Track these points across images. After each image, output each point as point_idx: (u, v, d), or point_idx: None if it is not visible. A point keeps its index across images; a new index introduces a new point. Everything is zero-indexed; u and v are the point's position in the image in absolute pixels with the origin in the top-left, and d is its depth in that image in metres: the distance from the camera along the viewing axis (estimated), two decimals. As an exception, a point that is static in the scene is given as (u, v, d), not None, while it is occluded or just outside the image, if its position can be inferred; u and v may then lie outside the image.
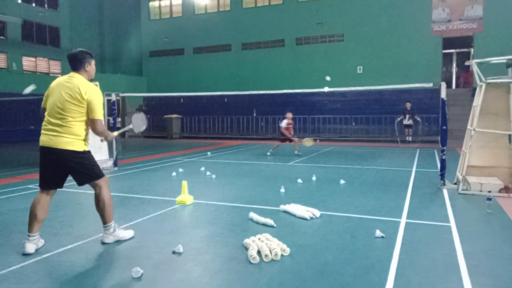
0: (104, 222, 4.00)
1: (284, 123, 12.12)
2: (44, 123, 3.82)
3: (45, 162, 3.82)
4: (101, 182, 3.91)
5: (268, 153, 12.39)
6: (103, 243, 4.02)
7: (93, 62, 4.00)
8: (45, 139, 3.76)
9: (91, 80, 4.07)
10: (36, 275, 3.27)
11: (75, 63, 3.89)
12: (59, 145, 3.70)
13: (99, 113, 3.80)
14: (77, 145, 3.76)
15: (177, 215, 5.23)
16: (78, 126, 3.76)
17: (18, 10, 21.90)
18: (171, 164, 10.48)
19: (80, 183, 3.91)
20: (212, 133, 21.34)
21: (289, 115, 12.27)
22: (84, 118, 3.80)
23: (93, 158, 3.95)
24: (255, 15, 23.75)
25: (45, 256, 3.67)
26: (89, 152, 3.90)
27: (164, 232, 4.41)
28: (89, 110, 3.77)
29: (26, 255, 3.68)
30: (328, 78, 8.21)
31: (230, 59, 24.44)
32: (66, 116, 3.71)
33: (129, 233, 4.20)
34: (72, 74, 3.89)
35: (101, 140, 4.09)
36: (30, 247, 3.72)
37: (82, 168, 3.81)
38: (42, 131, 3.80)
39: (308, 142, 11.72)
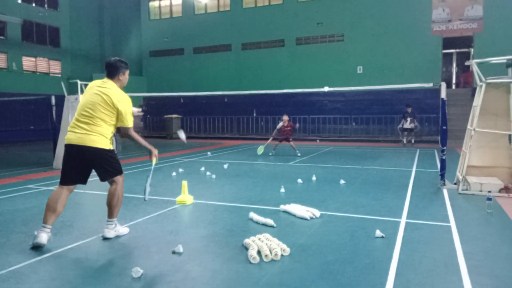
0: (111, 216, 4.14)
1: (278, 125, 12.33)
2: (72, 122, 4.00)
3: (71, 159, 3.96)
4: (120, 178, 4.11)
5: (299, 154, 12.08)
6: (104, 238, 4.10)
7: (127, 73, 4.22)
8: (73, 137, 3.92)
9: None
10: (36, 275, 3.27)
11: (111, 71, 4.11)
12: (87, 143, 3.87)
13: (130, 121, 4.07)
14: (104, 144, 3.94)
15: (177, 215, 5.23)
16: (106, 127, 3.96)
17: (18, 10, 21.88)
18: (171, 164, 10.49)
19: (103, 179, 4.08)
20: (212, 133, 21.34)
21: (285, 117, 12.26)
22: (113, 122, 4.00)
23: (116, 156, 4.17)
24: (255, 15, 23.75)
25: (45, 256, 3.67)
26: (113, 150, 4.10)
27: (164, 232, 4.41)
28: (120, 118, 4.01)
29: (28, 250, 3.68)
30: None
31: (230, 59, 24.44)
32: (96, 117, 3.91)
33: (126, 230, 4.37)
34: (106, 80, 4.10)
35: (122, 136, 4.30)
36: (44, 237, 3.80)
37: (107, 165, 4.00)
38: (70, 130, 3.98)
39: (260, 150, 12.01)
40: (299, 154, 11.99)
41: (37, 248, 3.82)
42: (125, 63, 4.21)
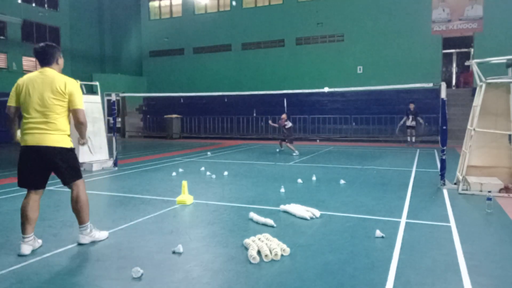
0: (81, 222, 3.95)
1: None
2: (24, 121, 3.70)
3: (30, 161, 3.69)
4: (81, 182, 3.90)
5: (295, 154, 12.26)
6: (79, 244, 3.96)
7: (61, 55, 3.98)
8: (29, 138, 3.65)
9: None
10: (36, 275, 3.27)
11: (47, 58, 3.81)
12: (47, 143, 3.63)
13: (81, 103, 3.77)
14: (65, 142, 3.73)
15: (177, 215, 5.23)
16: (63, 121, 3.72)
17: (18, 10, 21.88)
18: (171, 164, 10.48)
19: (66, 182, 3.84)
20: (212, 133, 21.34)
21: (282, 115, 12.64)
22: (66, 112, 3.76)
23: (77, 156, 3.95)
24: (255, 15, 23.75)
25: (45, 256, 3.67)
26: (74, 149, 3.88)
27: (164, 232, 4.41)
28: (70, 102, 3.73)
29: (23, 256, 3.67)
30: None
31: (230, 59, 24.44)
32: (50, 112, 3.64)
33: (104, 234, 4.16)
34: (44, 69, 3.79)
35: (80, 143, 4.03)
36: (26, 249, 3.69)
37: (69, 166, 3.77)
38: (24, 132, 3.69)
39: None
40: (294, 154, 12.03)
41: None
42: (57, 46, 3.93)
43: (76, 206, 3.89)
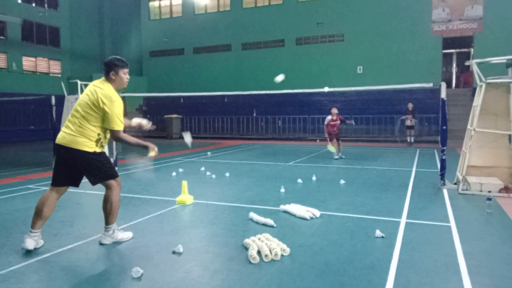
0: (107, 223, 4.00)
1: (326, 120, 11.28)
2: (66, 121, 3.92)
3: (59, 159, 3.87)
4: (113, 182, 3.91)
5: (337, 157, 11.20)
6: (100, 244, 4.00)
7: (121, 72, 3.93)
8: (60, 137, 3.82)
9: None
10: (36, 275, 3.27)
11: (104, 70, 3.95)
12: (70, 144, 3.74)
13: (116, 124, 3.78)
14: (87, 146, 3.76)
15: (177, 215, 5.23)
16: (91, 128, 3.77)
17: (18, 10, 21.88)
18: (171, 164, 10.48)
19: (92, 182, 3.94)
20: (212, 133, 21.34)
21: (334, 110, 11.25)
22: (98, 123, 3.78)
23: (105, 159, 3.93)
24: (255, 15, 23.74)
25: (45, 256, 3.67)
26: (100, 153, 3.88)
27: (164, 232, 4.41)
28: (106, 120, 3.76)
29: (25, 252, 3.68)
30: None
31: (230, 59, 24.43)
32: (82, 117, 3.75)
33: (127, 235, 4.17)
34: (103, 80, 3.94)
35: (148, 156, 4.14)
36: (30, 243, 3.73)
37: (92, 168, 3.83)
38: (62, 129, 3.88)
39: (331, 148, 10.77)
40: (338, 157, 11.18)
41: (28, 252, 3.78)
42: (121, 61, 3.95)
43: (105, 206, 3.94)
